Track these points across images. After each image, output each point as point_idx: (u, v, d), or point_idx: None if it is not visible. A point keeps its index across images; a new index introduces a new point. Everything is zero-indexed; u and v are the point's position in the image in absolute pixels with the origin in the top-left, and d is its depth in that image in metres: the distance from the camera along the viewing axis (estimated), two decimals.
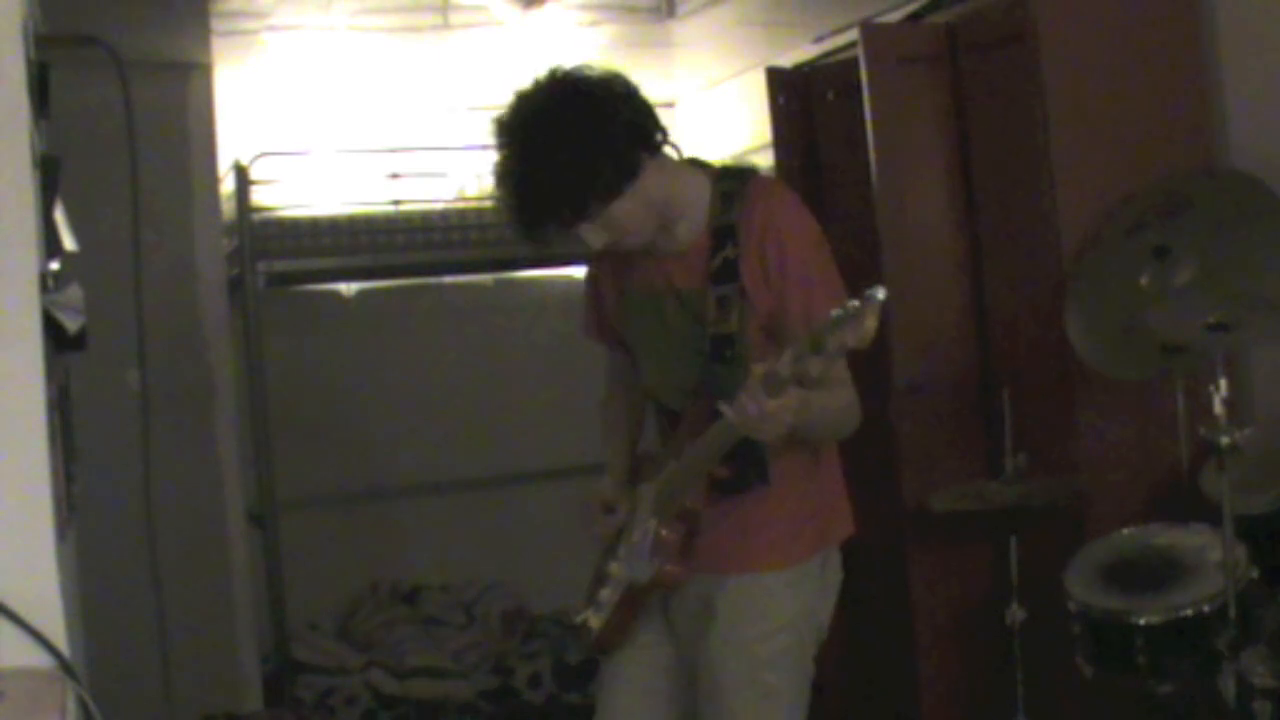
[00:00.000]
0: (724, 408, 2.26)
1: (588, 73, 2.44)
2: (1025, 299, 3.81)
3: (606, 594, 2.66)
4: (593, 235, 2.46)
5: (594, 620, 2.67)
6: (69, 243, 2.41)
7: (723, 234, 2.49)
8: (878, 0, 4.48)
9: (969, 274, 4.00)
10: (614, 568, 2.67)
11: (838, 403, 2.46)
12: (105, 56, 2.25)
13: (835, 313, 2.08)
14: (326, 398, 5.72)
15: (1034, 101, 3.68)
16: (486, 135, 2.50)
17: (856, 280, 4.42)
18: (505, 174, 2.45)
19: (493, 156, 2.48)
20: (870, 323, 2.04)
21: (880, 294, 2.04)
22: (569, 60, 2.49)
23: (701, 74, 5.86)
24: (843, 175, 4.32)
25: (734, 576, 2.57)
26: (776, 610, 2.57)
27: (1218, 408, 2.90)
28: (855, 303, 2.07)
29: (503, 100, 2.48)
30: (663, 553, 2.54)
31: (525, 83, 2.47)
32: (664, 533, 2.55)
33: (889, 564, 4.09)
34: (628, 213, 2.44)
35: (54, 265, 2.18)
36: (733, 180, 2.54)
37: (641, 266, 2.62)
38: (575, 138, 2.38)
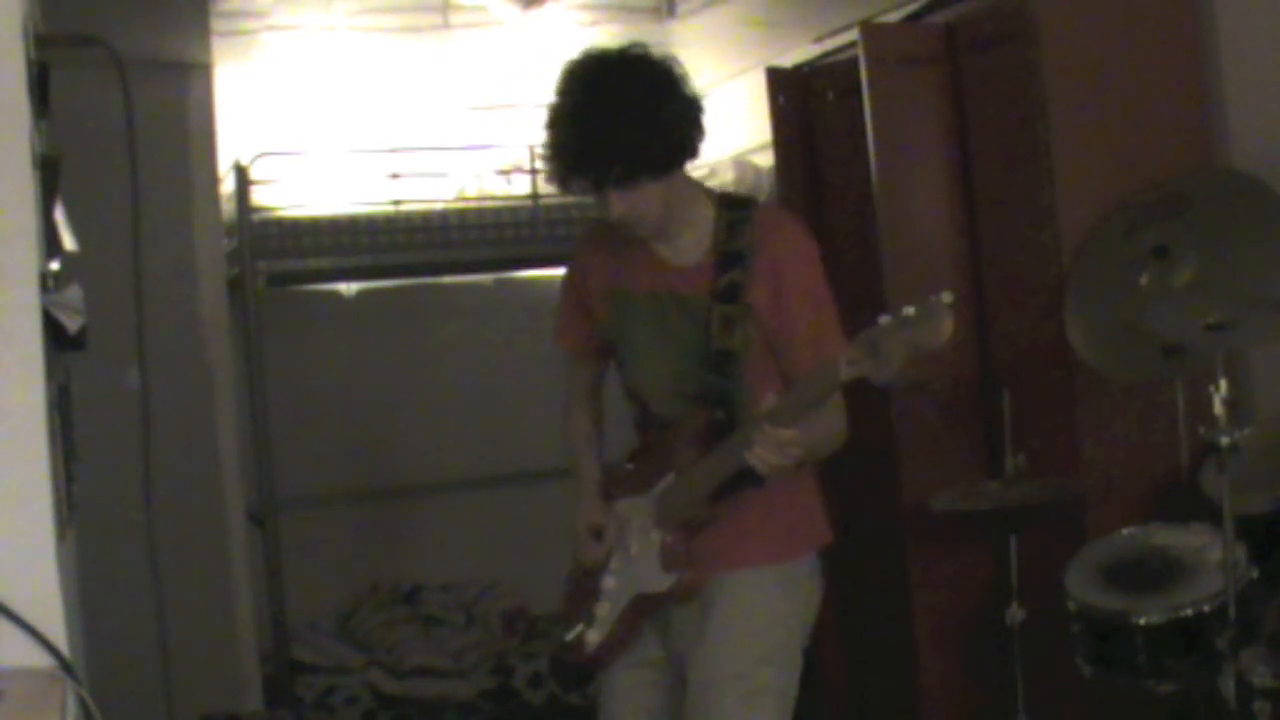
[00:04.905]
0: (748, 455, 2.40)
1: (674, 62, 2.56)
2: (1025, 299, 3.81)
3: (605, 609, 2.69)
4: (617, 203, 2.51)
5: (593, 635, 2.70)
6: (69, 243, 2.41)
7: (731, 258, 2.59)
8: (878, 0, 4.48)
9: (969, 274, 4.00)
10: (609, 582, 2.70)
11: (835, 425, 2.57)
12: (105, 56, 2.25)
13: (885, 318, 2.22)
14: (326, 398, 5.73)
15: (1034, 101, 3.68)
16: (557, 79, 2.54)
17: (857, 279, 4.42)
18: (570, 116, 2.49)
19: (559, 96, 2.52)
20: (947, 325, 2.18)
21: (948, 298, 2.18)
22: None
23: (701, 74, 5.84)
24: (843, 175, 4.32)
25: (729, 573, 2.62)
26: (771, 606, 2.63)
27: (1218, 408, 2.90)
28: (911, 309, 2.21)
29: (583, 53, 2.54)
30: (675, 562, 2.60)
31: (613, 46, 2.55)
32: (669, 541, 2.60)
33: (889, 564, 4.09)
34: (654, 199, 2.52)
35: (54, 265, 2.18)
36: (738, 210, 2.65)
37: (640, 268, 2.66)
38: (655, 108, 2.47)
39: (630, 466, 2.77)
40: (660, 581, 2.60)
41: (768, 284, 2.57)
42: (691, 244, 2.63)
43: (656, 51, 2.55)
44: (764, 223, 2.63)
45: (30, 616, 1.86)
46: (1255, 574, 3.00)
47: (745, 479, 2.50)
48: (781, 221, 2.71)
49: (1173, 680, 3.07)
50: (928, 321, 2.19)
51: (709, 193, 2.71)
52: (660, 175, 2.50)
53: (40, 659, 1.85)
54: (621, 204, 2.51)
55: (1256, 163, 3.53)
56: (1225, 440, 2.89)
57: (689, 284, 2.62)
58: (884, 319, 2.22)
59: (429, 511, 5.95)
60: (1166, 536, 3.27)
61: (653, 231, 2.60)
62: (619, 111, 2.45)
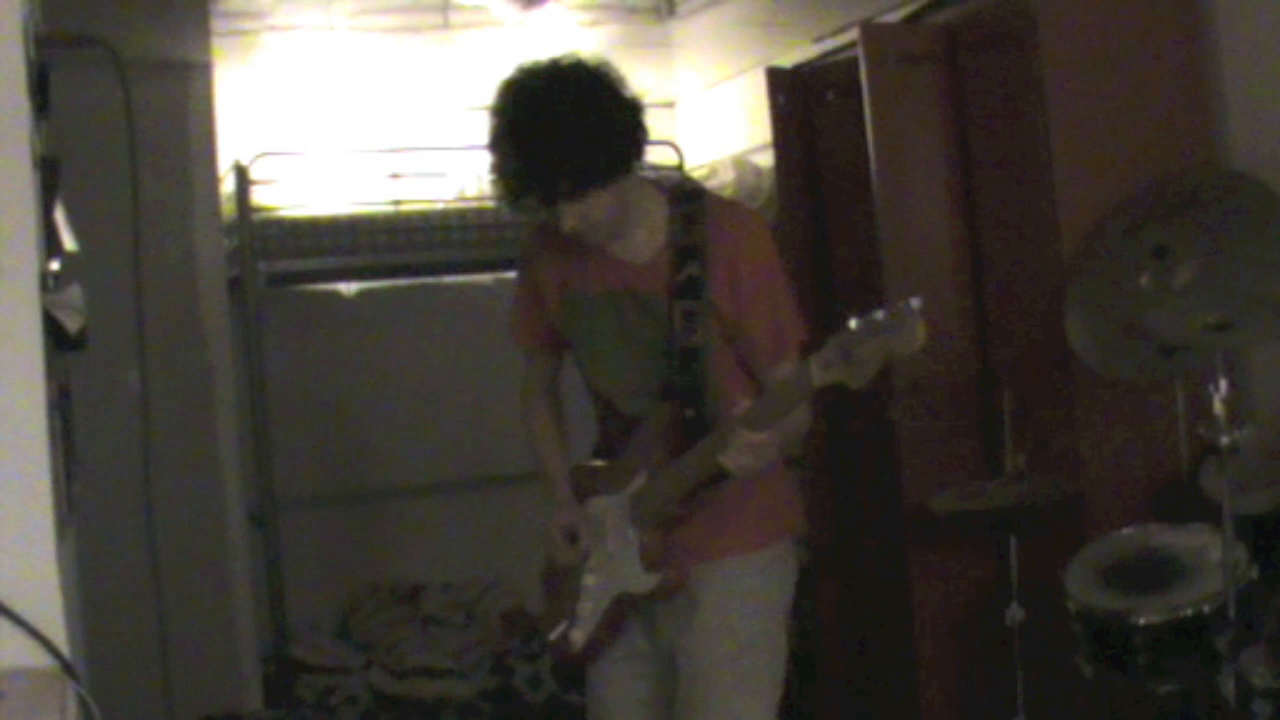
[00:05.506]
0: (722, 459, 2.42)
1: (609, 68, 2.53)
2: (1025, 299, 3.81)
3: (588, 607, 2.70)
4: (568, 216, 2.51)
5: (577, 634, 2.71)
6: (69, 243, 2.41)
7: (686, 253, 2.59)
8: (878, 0, 4.48)
9: (969, 274, 4.00)
10: (590, 580, 2.70)
11: (803, 418, 2.58)
12: (105, 56, 2.25)
13: (855, 323, 2.23)
14: (326, 398, 5.72)
15: (1034, 101, 3.68)
16: (493, 98, 2.54)
17: (857, 279, 4.41)
18: (510, 135, 2.50)
19: (497, 115, 2.53)
20: (919, 330, 2.19)
21: (917, 303, 2.20)
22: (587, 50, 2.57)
23: (701, 74, 5.87)
24: (843, 175, 4.32)
25: (712, 562, 2.64)
26: (755, 591, 2.66)
27: (1218, 408, 2.90)
28: (880, 314, 2.21)
29: (517, 68, 2.53)
30: (655, 560, 2.61)
31: (545, 58, 2.52)
32: (647, 540, 2.62)
33: (889, 564, 4.09)
34: (604, 206, 2.51)
35: (54, 265, 2.18)
36: (690, 203, 2.64)
37: (594, 268, 2.66)
38: (594, 118, 2.46)
39: (599, 464, 2.77)
40: (643, 581, 2.61)
41: (725, 275, 2.57)
42: (645, 240, 2.62)
43: (590, 58, 2.53)
44: (717, 214, 2.62)
45: (30, 616, 1.86)
46: (1255, 574, 3.01)
47: (718, 477, 2.51)
48: (734, 211, 2.73)
49: (1173, 680, 3.07)
50: (899, 327, 2.20)
51: (658, 187, 2.69)
52: (608, 183, 2.49)
53: (40, 659, 1.85)
54: (573, 216, 2.51)
55: (1256, 163, 3.53)
56: (1225, 440, 2.89)
57: (646, 281, 2.62)
58: (854, 323, 2.23)
59: (429, 511, 5.95)
60: (1166, 536, 3.27)
61: (606, 236, 2.59)
62: (559, 127, 2.44)
